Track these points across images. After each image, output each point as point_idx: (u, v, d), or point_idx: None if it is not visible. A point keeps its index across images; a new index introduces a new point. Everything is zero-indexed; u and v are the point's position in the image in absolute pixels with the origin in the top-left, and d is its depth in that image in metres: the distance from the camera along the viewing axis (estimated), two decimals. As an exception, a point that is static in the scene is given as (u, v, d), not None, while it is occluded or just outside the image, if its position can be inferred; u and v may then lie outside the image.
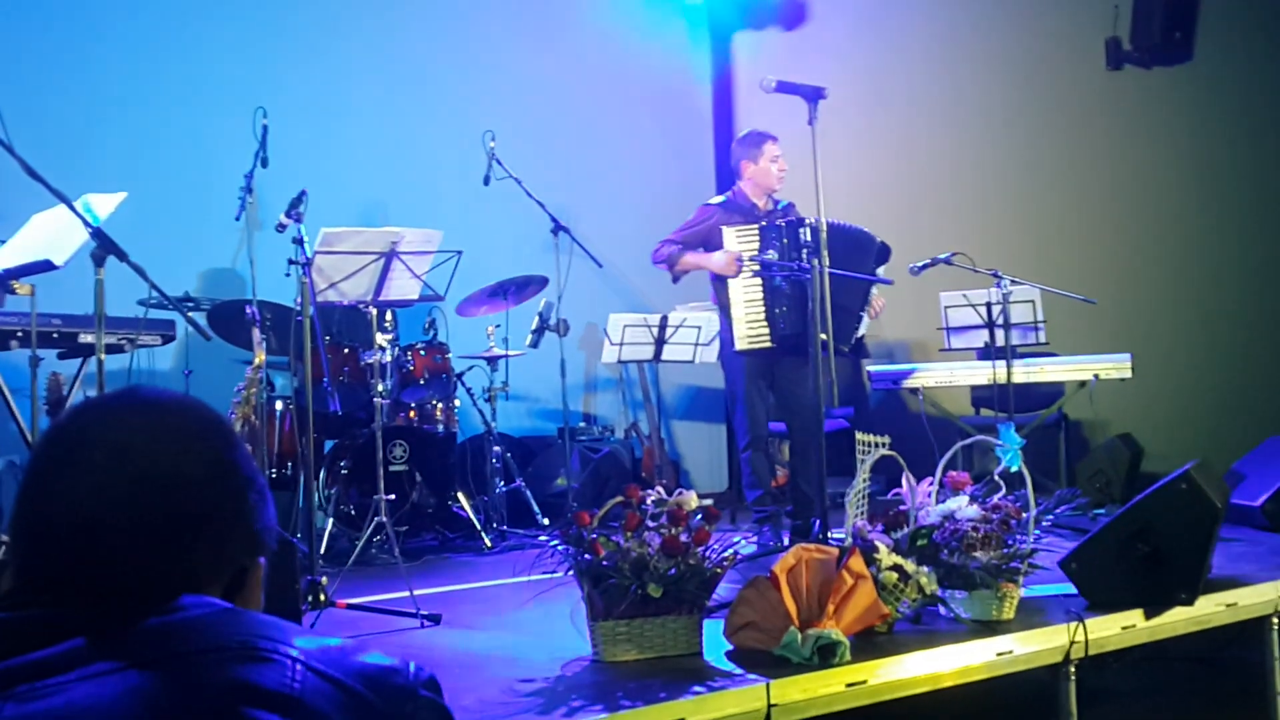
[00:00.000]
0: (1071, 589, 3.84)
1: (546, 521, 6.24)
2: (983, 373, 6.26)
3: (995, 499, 3.76)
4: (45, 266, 4.28)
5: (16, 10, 6.08)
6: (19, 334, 4.94)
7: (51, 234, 4.35)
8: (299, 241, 4.41)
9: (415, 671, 1.08)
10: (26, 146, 3.71)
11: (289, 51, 6.85)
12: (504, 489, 6.28)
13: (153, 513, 1.04)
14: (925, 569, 3.57)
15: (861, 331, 5.53)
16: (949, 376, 6.59)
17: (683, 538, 3.16)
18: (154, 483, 1.05)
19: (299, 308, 4.44)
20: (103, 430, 1.07)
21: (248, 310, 4.84)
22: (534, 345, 6.57)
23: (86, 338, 5.11)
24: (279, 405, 5.76)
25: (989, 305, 6.11)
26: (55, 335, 5.11)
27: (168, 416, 1.10)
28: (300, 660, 1.00)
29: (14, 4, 6.08)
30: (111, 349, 5.20)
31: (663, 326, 6.34)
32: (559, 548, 3.26)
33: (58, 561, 1.03)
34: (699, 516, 3.29)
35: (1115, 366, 6.22)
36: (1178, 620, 3.73)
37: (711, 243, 5.37)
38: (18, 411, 5.18)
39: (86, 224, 3.66)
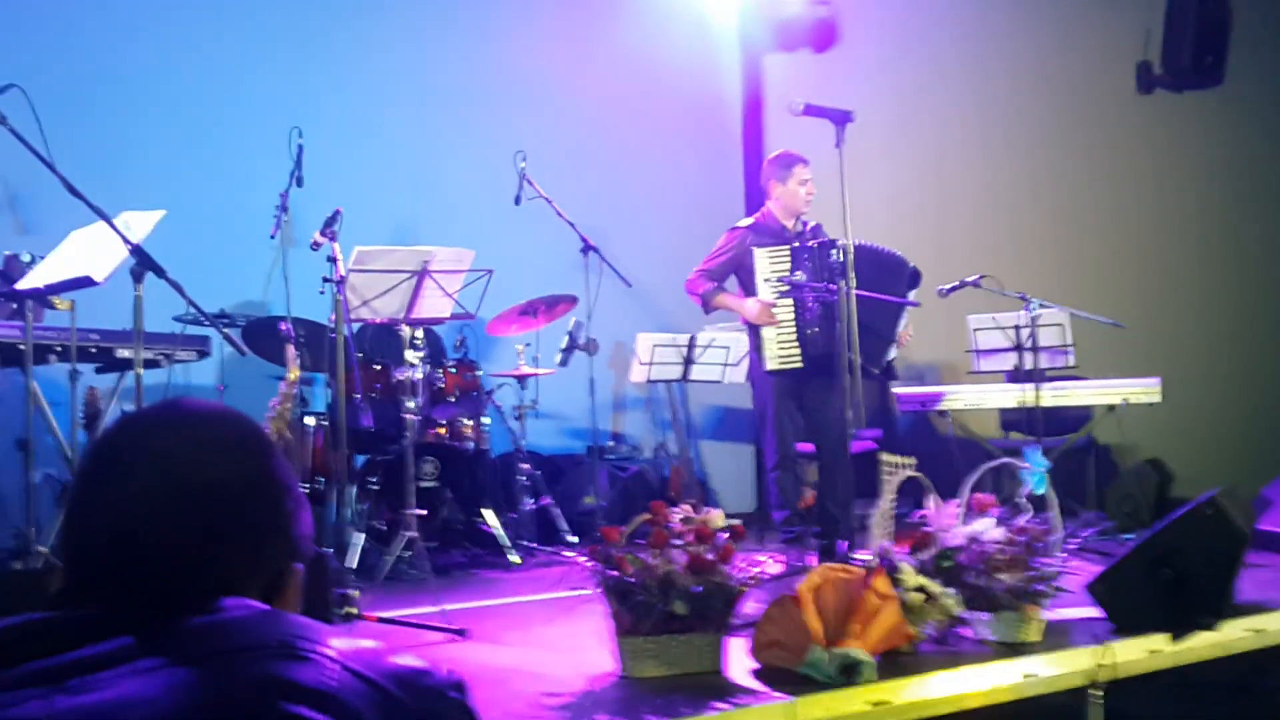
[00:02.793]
0: (1097, 613, 3.83)
1: (574, 539, 6.27)
2: (1011, 396, 6.25)
3: (1021, 522, 3.77)
4: (86, 283, 4.37)
5: (58, 30, 6.21)
6: (58, 349, 5.04)
7: (91, 250, 4.44)
8: (333, 260, 4.48)
9: (446, 674, 1.12)
10: (67, 164, 3.80)
11: (325, 72, 6.95)
12: (532, 506, 6.32)
13: (194, 519, 1.09)
14: (950, 590, 3.58)
15: (892, 355, 5.54)
16: (977, 399, 6.58)
17: (708, 556, 3.19)
18: (195, 491, 1.09)
19: (332, 325, 4.51)
20: (146, 441, 1.12)
21: (282, 327, 4.91)
22: (563, 364, 6.62)
23: (124, 353, 5.21)
24: (311, 421, 5.83)
25: (1017, 328, 6.11)
26: (93, 350, 5.20)
27: (208, 428, 1.15)
28: (336, 660, 1.04)
29: (56, 24, 6.21)
30: (148, 364, 5.29)
31: (691, 346, 6.37)
32: (586, 564, 3.29)
33: (104, 565, 1.08)
34: (725, 535, 3.32)
35: (1145, 391, 6.19)
36: (1203, 646, 3.71)
37: (743, 265, 5.42)
38: (56, 425, 5.27)
39: (126, 242, 3.74)
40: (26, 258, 5.01)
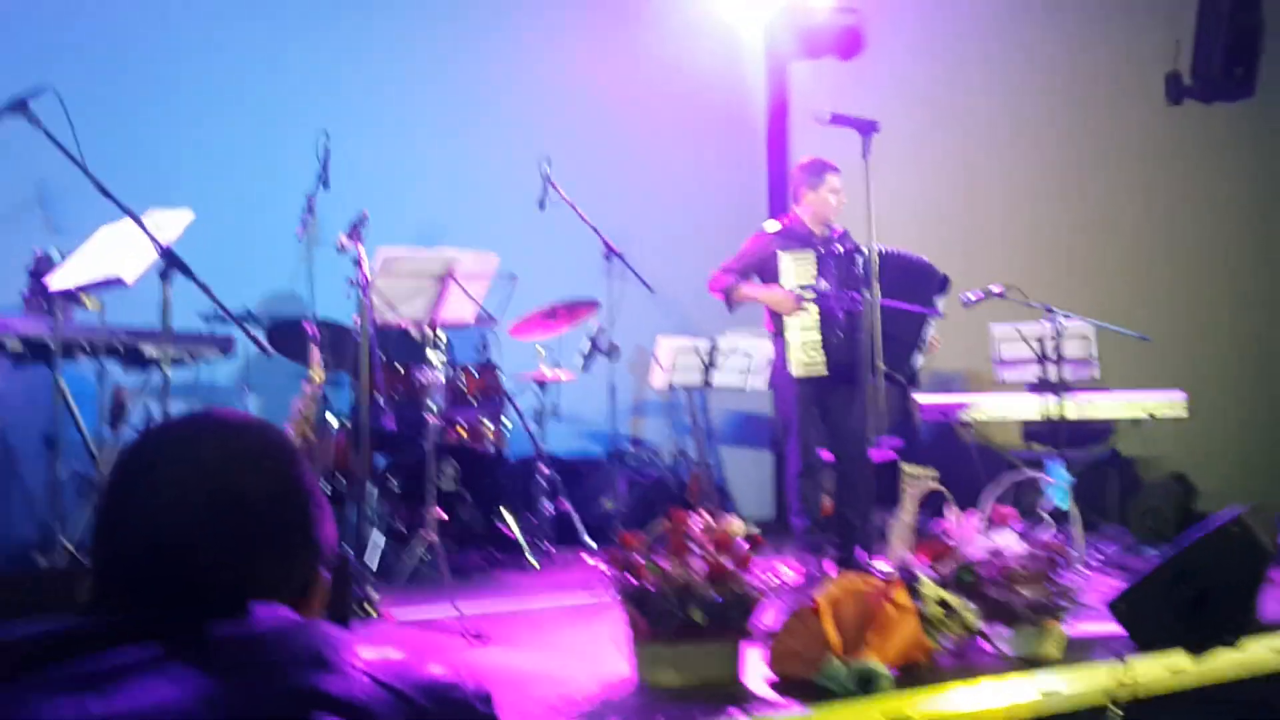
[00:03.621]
0: (1118, 629, 3.81)
1: (593, 544, 6.28)
2: (1034, 407, 6.22)
3: (1043, 535, 3.76)
4: (115, 283, 4.41)
5: (89, 31, 6.26)
6: (86, 346, 5.09)
7: (120, 250, 4.47)
8: (358, 262, 4.50)
9: (473, 687, 1.13)
10: (98, 163, 3.84)
11: (353, 74, 6.99)
12: (551, 510, 6.33)
13: (224, 528, 1.10)
14: (969, 603, 3.57)
15: (919, 363, 5.51)
16: (999, 410, 6.56)
17: (727, 564, 3.20)
18: (225, 500, 1.11)
19: (356, 327, 4.54)
20: (177, 451, 1.14)
21: (306, 328, 4.94)
22: (584, 368, 6.63)
23: (151, 351, 5.25)
24: (334, 421, 5.86)
25: (1042, 339, 6.08)
26: (121, 348, 5.24)
27: (237, 438, 1.16)
28: (365, 671, 1.06)
29: (87, 25, 6.27)
30: (174, 362, 5.33)
31: (713, 351, 6.37)
32: (605, 570, 3.30)
33: (135, 573, 1.10)
34: (744, 543, 3.32)
35: (1170, 405, 6.15)
36: (1226, 665, 3.68)
37: (767, 269, 5.41)
38: (82, 421, 5.32)
39: (156, 244, 3.78)
40: (57, 256, 5.06)
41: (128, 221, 3.90)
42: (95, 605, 1.10)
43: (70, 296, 4.83)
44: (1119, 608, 3.80)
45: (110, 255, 4.51)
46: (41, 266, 5.16)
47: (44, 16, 6.16)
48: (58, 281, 4.81)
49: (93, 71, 5.93)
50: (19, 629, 1.06)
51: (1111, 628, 3.83)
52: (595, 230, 6.28)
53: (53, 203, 5.93)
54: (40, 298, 5.05)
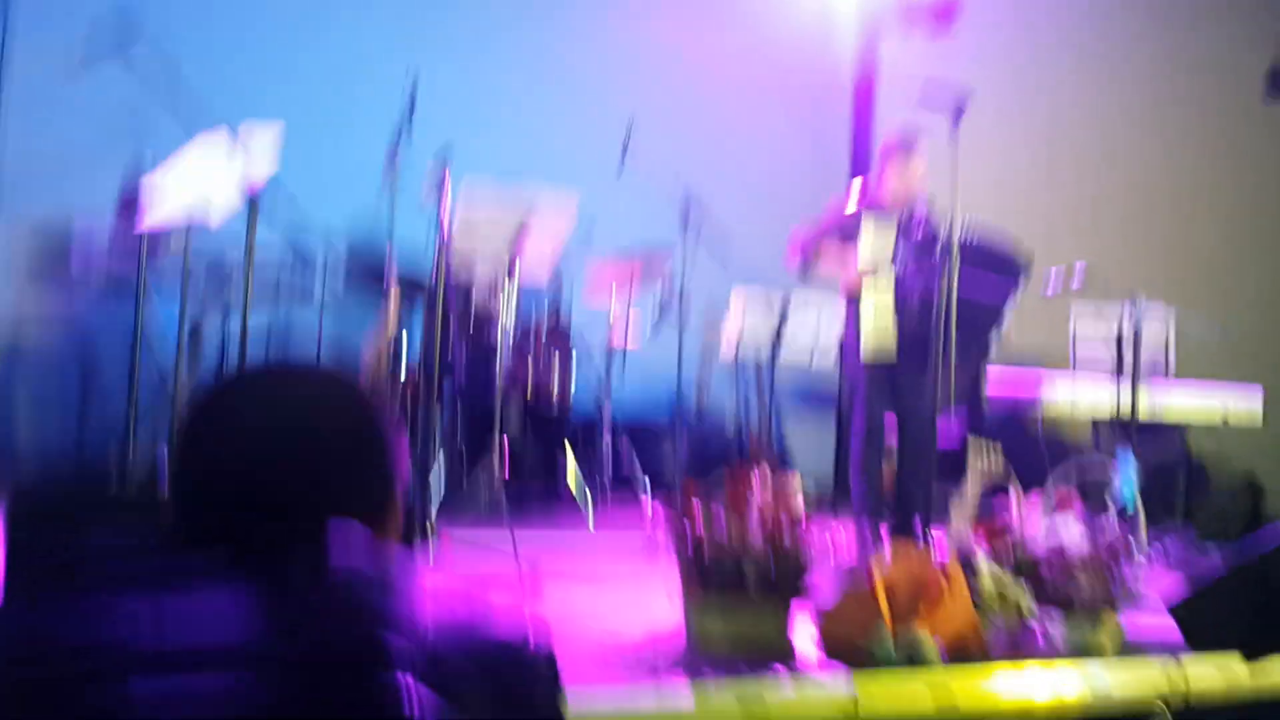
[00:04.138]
0: (1173, 625, 3.74)
1: (651, 500, 6.31)
2: (1107, 394, 6.11)
3: (1105, 525, 3.71)
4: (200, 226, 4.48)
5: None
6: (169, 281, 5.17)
7: (208, 180, 4.53)
8: (440, 199, 4.52)
9: (539, 648, 1.15)
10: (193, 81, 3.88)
11: (443, 15, 7.04)
12: (613, 473, 6.37)
13: (302, 463, 1.14)
14: (1023, 585, 3.54)
15: (994, 344, 5.45)
16: (1071, 395, 6.45)
17: (783, 520, 3.20)
18: (304, 447, 1.14)
19: (435, 265, 4.58)
20: (256, 397, 1.17)
21: (385, 275, 4.99)
22: (653, 331, 6.64)
23: (231, 290, 5.34)
24: (404, 368, 5.93)
25: (1119, 326, 5.97)
26: (202, 286, 5.33)
27: (314, 385, 1.20)
28: (433, 628, 1.08)
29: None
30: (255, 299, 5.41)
31: (785, 303, 6.34)
32: (662, 518, 3.32)
33: (213, 510, 1.13)
34: (801, 500, 3.32)
35: (1246, 413, 6.02)
36: (1282, 673, 3.60)
37: (848, 234, 5.38)
38: (161, 357, 5.42)
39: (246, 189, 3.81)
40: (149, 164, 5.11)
41: (223, 136, 3.93)
42: (175, 538, 1.13)
43: (156, 232, 4.92)
44: (1179, 614, 3.71)
45: (200, 185, 4.57)
46: (130, 197, 5.26)
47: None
48: (146, 220, 4.90)
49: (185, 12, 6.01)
50: (100, 539, 1.11)
51: (1168, 623, 3.76)
52: (673, 196, 6.26)
53: (147, 133, 6.04)
54: (128, 232, 5.16)
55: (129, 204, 5.23)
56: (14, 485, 2.74)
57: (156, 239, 5.01)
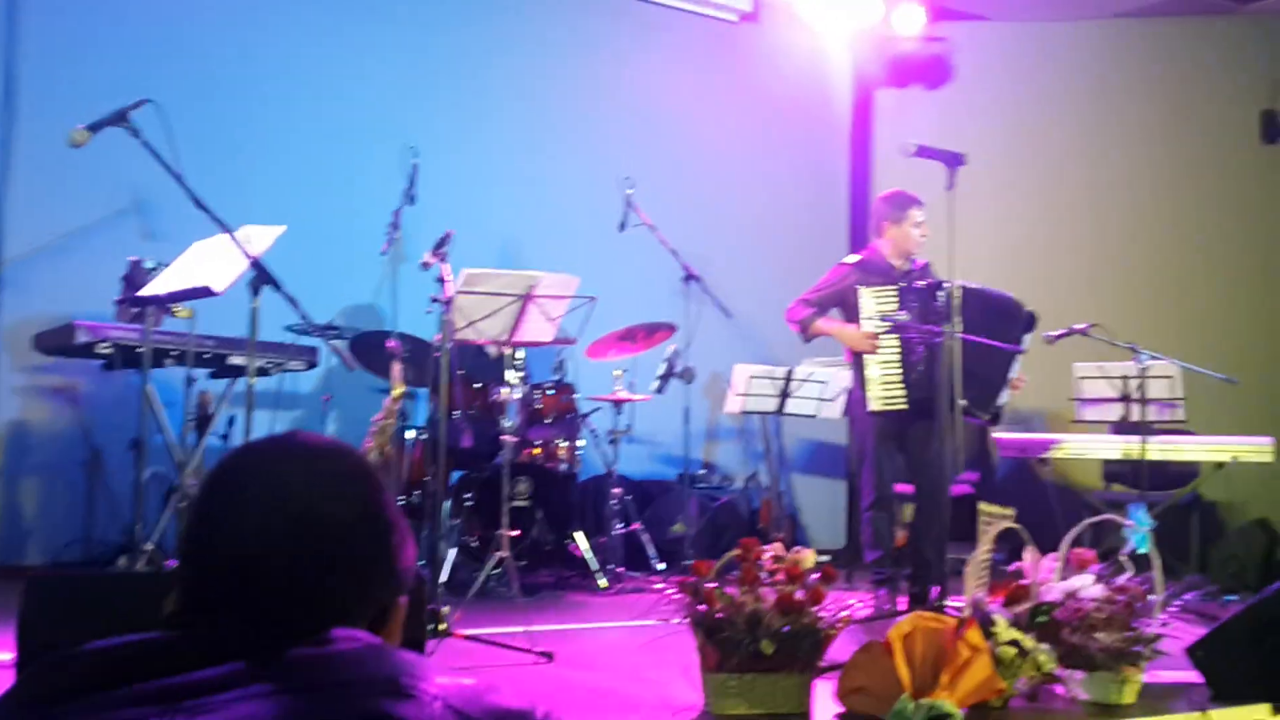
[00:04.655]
0: (1197, 679, 3.72)
1: (662, 566, 6.29)
2: (1116, 448, 6.11)
3: (1122, 580, 3.68)
4: (205, 293, 4.53)
5: (186, 47, 6.44)
6: (175, 353, 5.22)
7: (212, 261, 4.60)
8: (442, 280, 4.57)
9: (544, 715, 1.14)
10: (193, 175, 3.95)
11: (439, 93, 7.11)
12: (622, 531, 6.35)
13: (307, 551, 1.13)
14: (1044, 646, 3.50)
15: (1002, 400, 5.41)
16: (1080, 449, 6.44)
17: (798, 595, 3.18)
18: (309, 523, 1.13)
19: (437, 343, 4.60)
20: (264, 473, 1.17)
21: (389, 344, 5.02)
22: (659, 391, 6.64)
23: (236, 359, 5.38)
24: (410, 435, 5.94)
25: (1125, 379, 5.97)
26: (208, 356, 5.38)
27: (323, 462, 1.19)
28: (439, 698, 1.07)
29: (185, 43, 6.45)
30: (260, 372, 5.46)
31: (788, 380, 6.35)
32: (675, 595, 3.30)
33: (219, 590, 1.12)
34: (815, 575, 3.30)
35: (1256, 449, 5.99)
36: (1311, 721, 3.57)
37: (847, 302, 5.38)
38: (168, 426, 5.46)
39: (246, 255, 3.87)
40: (150, 264, 5.20)
41: (221, 236, 4.00)
42: (180, 616, 1.13)
43: (162, 304, 4.96)
44: (1197, 654, 3.71)
45: (202, 266, 4.63)
46: (135, 273, 5.31)
47: (145, 33, 6.35)
48: (150, 289, 4.95)
49: (188, 88, 6.09)
50: (106, 640, 1.10)
51: (1191, 677, 3.73)
52: (674, 254, 6.30)
53: (148, 212, 6.11)
54: (132, 304, 5.20)
55: (132, 278, 5.27)
56: (28, 576, 2.72)
57: (161, 311, 5.04)
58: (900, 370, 5.22)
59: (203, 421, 5.38)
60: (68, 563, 5.76)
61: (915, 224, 5.39)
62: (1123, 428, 5.99)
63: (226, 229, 3.91)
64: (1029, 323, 5.38)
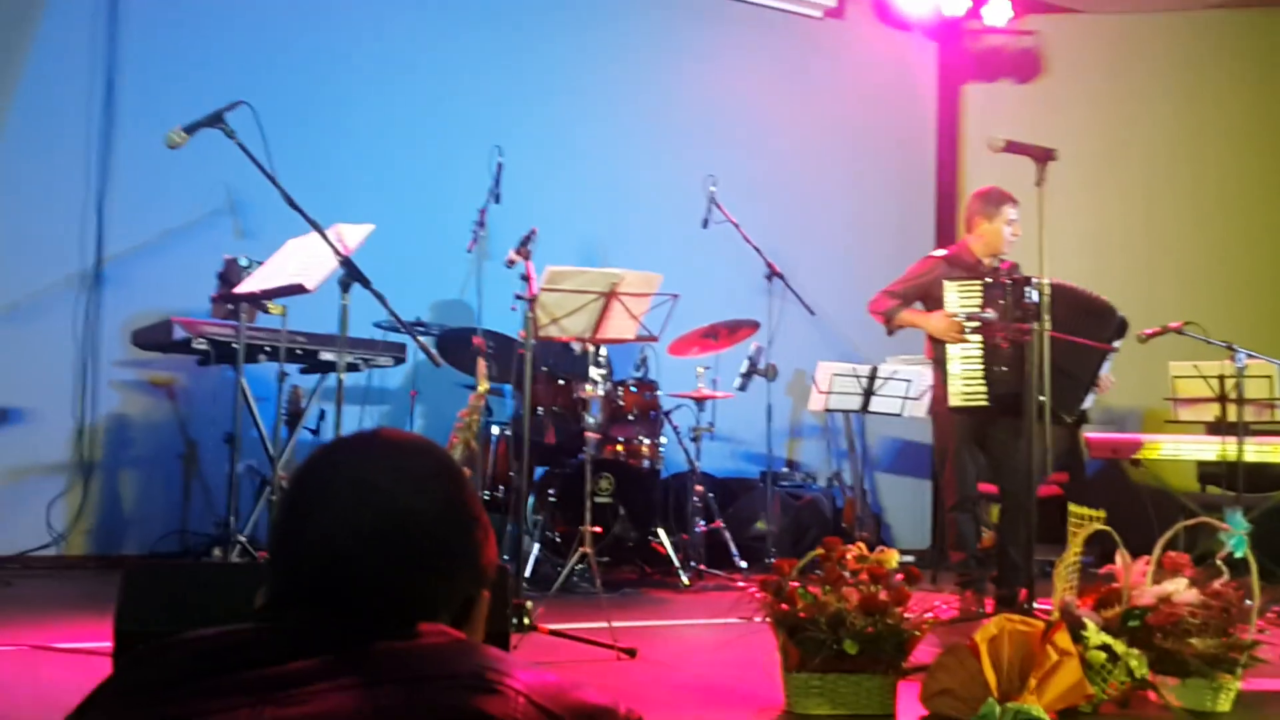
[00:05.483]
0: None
1: (744, 564, 6.27)
2: (1211, 449, 5.95)
3: (1217, 584, 3.59)
4: (298, 289, 4.63)
5: (282, 52, 6.58)
6: (267, 348, 5.35)
7: (304, 259, 4.70)
8: (526, 278, 4.61)
9: (626, 713, 1.14)
10: (285, 175, 4.04)
11: (525, 93, 7.17)
12: (704, 528, 6.35)
13: (393, 546, 1.15)
14: (1136, 651, 3.43)
15: (1088, 403, 5.29)
16: (1174, 450, 6.28)
17: (882, 596, 3.15)
18: (395, 519, 1.15)
19: (522, 340, 4.64)
20: (351, 469, 1.19)
21: (475, 341, 5.08)
22: (742, 388, 6.63)
23: (327, 355, 5.49)
24: (495, 430, 6.01)
25: (1222, 378, 5.81)
26: (300, 351, 5.50)
27: (408, 458, 1.21)
28: (524, 693, 1.09)
29: (280, 46, 6.59)
30: (349, 367, 5.57)
31: (872, 378, 6.30)
32: (757, 594, 3.29)
33: (308, 584, 1.15)
34: (899, 575, 3.27)
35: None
36: None
37: (931, 296, 5.30)
38: (260, 420, 5.59)
39: (337, 254, 3.95)
40: (244, 262, 5.33)
41: (312, 234, 4.09)
42: (271, 609, 1.15)
43: (255, 301, 5.09)
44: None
45: (295, 264, 4.74)
46: (229, 271, 5.45)
47: (242, 39, 6.50)
48: (245, 286, 5.07)
49: (282, 91, 6.22)
50: (200, 631, 1.13)
51: (1290, 687, 3.63)
52: (758, 251, 6.28)
53: (242, 211, 6.26)
54: (227, 301, 5.34)
55: (227, 276, 5.41)
56: (126, 568, 2.80)
57: (255, 307, 5.17)
58: (982, 367, 5.13)
59: (294, 416, 5.50)
60: (164, 553, 5.93)
61: (1008, 221, 5.30)
62: (1219, 428, 5.83)
63: (318, 228, 3.99)
64: (1121, 328, 5.24)
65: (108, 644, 2.63)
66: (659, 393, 6.33)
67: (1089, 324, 5.08)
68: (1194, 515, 4.08)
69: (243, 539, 5.17)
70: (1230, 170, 7.47)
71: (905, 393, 6.30)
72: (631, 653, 3.95)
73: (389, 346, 5.81)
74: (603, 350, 6.07)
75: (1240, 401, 5.64)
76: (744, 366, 6.62)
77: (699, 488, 6.32)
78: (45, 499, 5.90)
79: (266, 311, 5.19)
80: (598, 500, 5.77)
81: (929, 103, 8.49)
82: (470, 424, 4.63)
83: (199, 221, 6.22)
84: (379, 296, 3.98)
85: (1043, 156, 4.64)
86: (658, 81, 7.60)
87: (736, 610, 3.35)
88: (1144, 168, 7.75)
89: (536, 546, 5.77)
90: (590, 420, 5.70)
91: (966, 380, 5.16)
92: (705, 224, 6.33)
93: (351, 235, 4.21)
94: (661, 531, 6.01)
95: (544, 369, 5.98)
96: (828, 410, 6.44)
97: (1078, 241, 6.87)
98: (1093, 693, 3.30)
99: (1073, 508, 3.76)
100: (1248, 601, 3.56)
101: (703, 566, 6.14)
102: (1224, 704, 3.44)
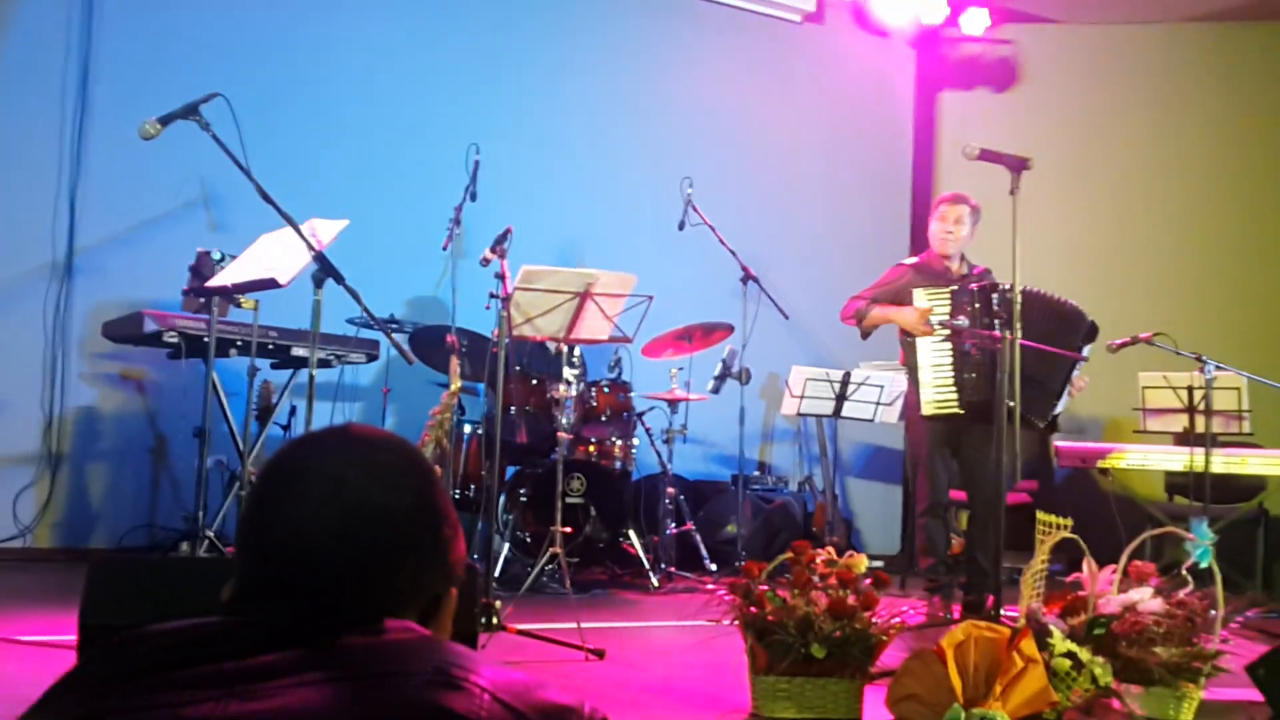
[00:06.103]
0: (1258, 697, 3.64)
1: (714, 567, 6.28)
2: (1179, 459, 6.00)
3: (1182, 594, 3.62)
4: (270, 284, 4.60)
5: (258, 45, 6.54)
6: (239, 343, 5.31)
7: (277, 253, 4.67)
8: (500, 276, 4.60)
9: (589, 712, 1.14)
10: (260, 169, 4.01)
11: (501, 91, 7.15)
12: (674, 530, 6.35)
13: (362, 541, 1.14)
14: (1101, 659, 3.45)
15: (1059, 409, 5.33)
16: (1142, 460, 6.32)
17: (850, 600, 3.16)
18: (364, 514, 1.15)
19: (495, 339, 4.63)
20: (321, 463, 1.18)
21: (448, 339, 5.06)
22: (715, 391, 6.64)
23: (299, 351, 5.46)
24: (467, 429, 5.99)
25: (1190, 389, 5.86)
26: (271, 346, 5.47)
27: (379, 454, 1.20)
28: (489, 691, 1.08)
29: (257, 40, 6.55)
30: (321, 363, 5.53)
31: (844, 383, 6.32)
32: (726, 596, 3.30)
33: (276, 578, 1.14)
34: (868, 580, 3.28)
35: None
36: (1375, 743, 3.49)
37: (902, 302, 5.33)
38: (230, 415, 5.56)
39: (311, 249, 3.93)
40: (217, 255, 5.30)
41: (286, 229, 4.06)
42: (237, 603, 1.15)
43: (227, 295, 5.05)
44: (1258, 672, 3.63)
45: (268, 259, 4.71)
46: (202, 264, 5.41)
47: (218, 31, 6.46)
48: (217, 280, 5.04)
49: (257, 84, 6.19)
50: (165, 624, 1.12)
51: (1251, 695, 3.66)
52: (733, 254, 6.29)
53: (216, 204, 6.22)
54: (199, 295, 5.30)
55: (200, 269, 5.37)
56: (91, 562, 2.78)
57: (227, 301, 5.13)
58: (952, 373, 5.16)
59: (265, 411, 5.46)
60: (131, 547, 5.88)
61: (940, 218, 5.36)
62: (1187, 439, 5.89)
63: (292, 222, 3.96)
64: (1090, 333, 5.28)
65: (72, 638, 2.61)
66: (632, 394, 6.33)
67: (1059, 329, 5.12)
68: (1161, 525, 4.11)
69: (211, 534, 5.14)
70: (1203, 181, 7.54)
71: (878, 398, 6.32)
72: (600, 654, 3.95)
73: (362, 343, 5.79)
74: (577, 350, 6.07)
75: (1208, 413, 5.69)
76: (717, 369, 6.63)
77: (670, 490, 6.33)
78: (12, 491, 5.84)
79: (239, 305, 5.16)
80: (569, 501, 5.77)
81: (906, 109, 8.52)
82: (442, 422, 4.61)
83: (172, 214, 6.18)
84: (352, 292, 3.95)
85: (1017, 165, 4.67)
86: (636, 83, 7.61)
87: (705, 613, 3.36)
88: (1117, 177, 7.82)
89: (507, 546, 5.76)
90: (563, 420, 5.70)
91: (938, 388, 5.20)
92: (681, 226, 6.33)
93: (325, 230, 4.19)
94: (632, 533, 6.01)
95: (517, 368, 5.97)
96: (800, 414, 6.46)
97: (1051, 250, 6.91)
98: (1057, 700, 3.32)
99: (1041, 515, 3.78)
100: (1212, 611, 3.59)
101: (673, 569, 6.15)
102: (1187, 713, 3.47)
